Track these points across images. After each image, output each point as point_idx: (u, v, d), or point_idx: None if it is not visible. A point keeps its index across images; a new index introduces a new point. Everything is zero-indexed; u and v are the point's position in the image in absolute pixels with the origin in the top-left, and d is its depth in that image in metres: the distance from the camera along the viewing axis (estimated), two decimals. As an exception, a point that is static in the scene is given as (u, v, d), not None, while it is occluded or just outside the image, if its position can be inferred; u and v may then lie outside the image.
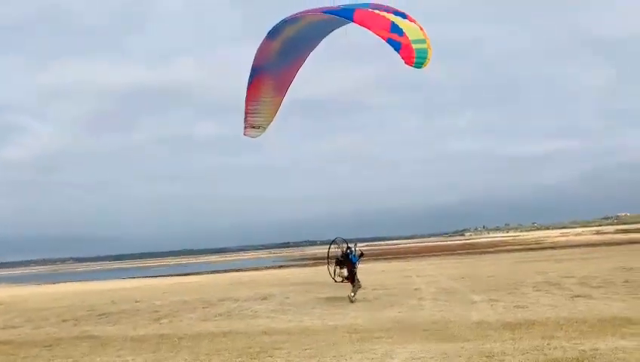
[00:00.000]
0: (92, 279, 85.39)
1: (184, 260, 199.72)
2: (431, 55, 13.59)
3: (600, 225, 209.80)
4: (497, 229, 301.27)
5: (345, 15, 14.40)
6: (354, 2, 15.16)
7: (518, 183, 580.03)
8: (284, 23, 16.06)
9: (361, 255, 20.45)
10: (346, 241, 20.76)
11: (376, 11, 14.14)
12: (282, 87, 17.69)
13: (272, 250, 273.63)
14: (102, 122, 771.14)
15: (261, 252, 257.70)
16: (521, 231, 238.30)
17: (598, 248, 59.10)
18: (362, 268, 22.39)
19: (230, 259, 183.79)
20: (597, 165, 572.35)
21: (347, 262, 19.81)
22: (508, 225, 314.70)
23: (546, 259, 41.12)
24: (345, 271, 19.79)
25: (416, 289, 22.83)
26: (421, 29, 14.00)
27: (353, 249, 20.06)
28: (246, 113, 17.55)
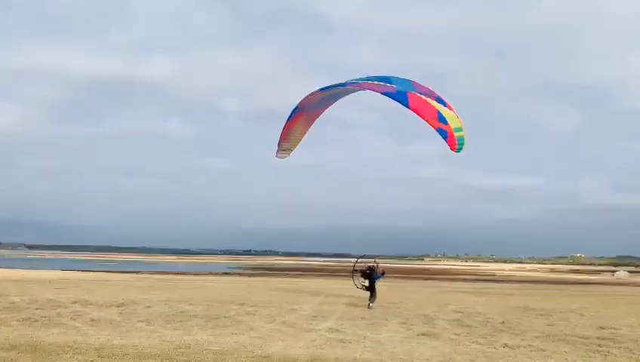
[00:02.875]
0: (27, 267, 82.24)
1: (140, 258, 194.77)
2: (466, 140, 17.65)
3: (555, 264, 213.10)
4: (457, 258, 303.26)
5: (401, 101, 17.01)
6: (390, 75, 18.35)
7: (481, 214, 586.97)
8: (338, 86, 19.02)
9: (383, 273, 24.13)
10: (375, 260, 24.73)
11: (423, 97, 17.16)
12: (312, 120, 21.01)
13: (234, 256, 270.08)
14: (70, 110, 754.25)
15: (222, 257, 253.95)
16: (478, 262, 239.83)
17: (534, 285, 58.91)
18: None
19: (186, 261, 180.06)
20: (558, 206, 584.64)
21: (370, 275, 23.38)
22: (467, 254, 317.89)
23: (471, 291, 40.29)
24: (367, 282, 23.31)
25: (292, 309, 21.27)
26: (457, 117, 17.48)
27: (375, 266, 23.89)
28: (281, 140, 20.87)
